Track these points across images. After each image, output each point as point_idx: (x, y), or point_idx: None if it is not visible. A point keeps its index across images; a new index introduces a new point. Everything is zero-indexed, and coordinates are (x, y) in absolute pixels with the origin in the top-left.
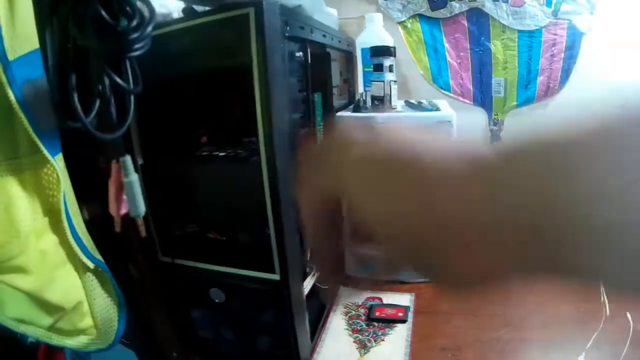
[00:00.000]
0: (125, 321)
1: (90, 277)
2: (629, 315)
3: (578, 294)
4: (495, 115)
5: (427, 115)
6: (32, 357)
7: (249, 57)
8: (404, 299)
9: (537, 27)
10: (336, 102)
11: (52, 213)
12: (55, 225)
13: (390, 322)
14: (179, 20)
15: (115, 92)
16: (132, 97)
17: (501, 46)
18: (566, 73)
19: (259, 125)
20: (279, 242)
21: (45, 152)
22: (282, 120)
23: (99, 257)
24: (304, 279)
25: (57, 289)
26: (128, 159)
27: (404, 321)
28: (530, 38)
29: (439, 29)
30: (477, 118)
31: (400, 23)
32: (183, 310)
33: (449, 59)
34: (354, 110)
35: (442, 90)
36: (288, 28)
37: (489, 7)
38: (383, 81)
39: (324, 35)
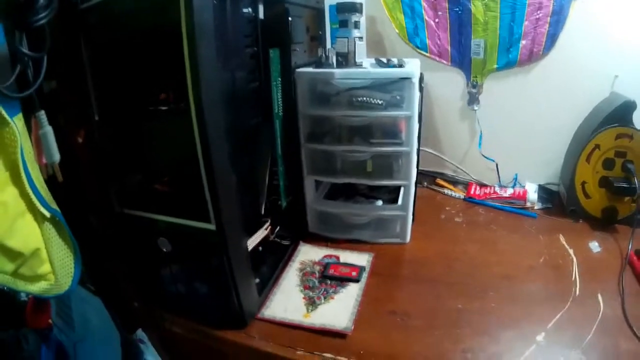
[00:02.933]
0: (80, 267)
1: (47, 225)
2: (599, 296)
3: (550, 270)
4: (474, 77)
5: (386, 72)
6: (21, 312)
7: (177, 14)
8: (362, 259)
9: None
10: (300, 59)
11: (12, 168)
12: (15, 179)
13: (343, 280)
14: None
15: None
16: (44, 62)
17: (482, 6)
18: (552, 38)
19: (188, 82)
20: (212, 193)
21: (4, 113)
22: (212, 74)
23: (55, 207)
24: (254, 231)
25: (18, 237)
26: (42, 113)
27: (357, 281)
28: (513, 0)
29: None
30: (454, 79)
31: None
32: (138, 261)
33: (426, 17)
34: (316, 67)
35: (419, 50)
36: None
37: None
38: (348, 38)
39: None
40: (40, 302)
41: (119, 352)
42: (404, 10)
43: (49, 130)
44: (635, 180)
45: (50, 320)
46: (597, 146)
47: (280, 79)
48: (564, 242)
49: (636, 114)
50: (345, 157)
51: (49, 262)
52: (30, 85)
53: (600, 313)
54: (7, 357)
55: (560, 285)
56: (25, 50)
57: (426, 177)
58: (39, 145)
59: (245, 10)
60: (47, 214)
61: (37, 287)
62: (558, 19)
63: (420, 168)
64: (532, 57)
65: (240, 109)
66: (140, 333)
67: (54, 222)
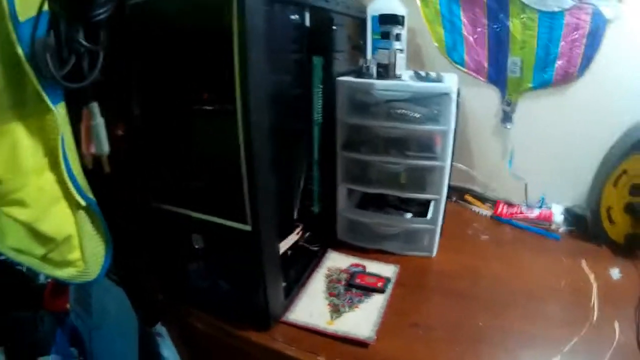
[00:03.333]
0: (111, 257)
1: (81, 214)
2: (616, 324)
3: (570, 293)
4: (509, 95)
5: (426, 86)
6: (40, 295)
7: (229, 17)
8: (388, 270)
9: (559, 9)
10: (341, 67)
11: (51, 154)
12: (54, 165)
13: (369, 290)
14: None
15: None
16: (100, 55)
17: (520, 25)
18: (587, 60)
19: (236, 84)
20: (251, 195)
21: (47, 101)
22: (260, 79)
23: (91, 196)
24: (286, 235)
25: (51, 222)
26: (94, 105)
27: (382, 291)
28: (551, 20)
29: (457, 2)
30: (489, 96)
31: None
32: (169, 255)
33: (465, 33)
34: (357, 77)
35: (456, 65)
36: None
37: None
38: (389, 49)
39: (327, 0)
40: (59, 286)
41: (135, 344)
42: (444, 24)
43: (100, 122)
44: None
45: (67, 305)
46: (625, 171)
47: (321, 86)
48: (585, 267)
49: None
50: (380, 167)
51: (79, 250)
52: (86, 76)
53: (615, 341)
54: (22, 336)
55: (579, 309)
56: (83, 41)
57: (456, 192)
58: (88, 135)
59: (292, 17)
60: (83, 203)
61: (64, 273)
62: (594, 40)
63: (450, 182)
64: (567, 78)
65: (283, 113)
66: (159, 327)
67: (88, 211)
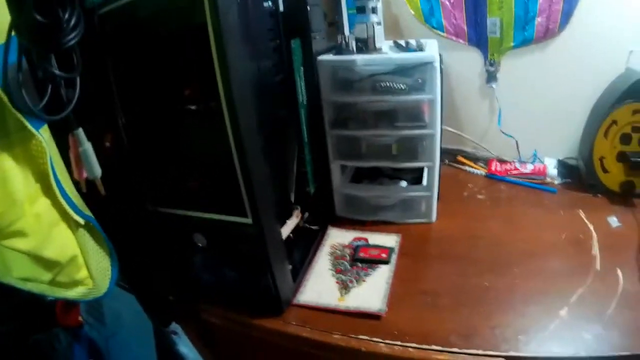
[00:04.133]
0: (118, 269)
1: (82, 232)
2: (619, 271)
3: (571, 245)
4: (491, 55)
5: (408, 57)
6: (52, 312)
7: (203, 17)
8: (390, 240)
9: None
10: (320, 46)
11: (42, 179)
12: (47, 189)
13: (374, 262)
14: None
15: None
16: (77, 81)
17: None
18: (567, 15)
19: (218, 81)
20: (247, 189)
21: (29, 127)
22: (241, 73)
23: (88, 213)
24: (285, 219)
25: (54, 246)
26: (80, 132)
27: (387, 262)
28: None
29: None
30: (472, 58)
31: None
32: (173, 256)
33: None
34: (336, 54)
35: (435, 30)
36: None
37: None
38: (366, 23)
39: None
40: (69, 301)
41: (152, 344)
42: None
43: (88, 146)
44: None
45: (80, 318)
46: (615, 122)
47: (302, 68)
48: (584, 217)
49: None
50: (371, 141)
51: (85, 268)
52: (65, 107)
53: (621, 287)
54: (41, 358)
55: (581, 260)
56: (57, 71)
57: (447, 155)
58: (78, 161)
59: (266, 4)
60: (82, 221)
61: (75, 293)
62: None
63: (442, 146)
64: (547, 34)
65: (268, 102)
66: (174, 325)
67: (88, 228)
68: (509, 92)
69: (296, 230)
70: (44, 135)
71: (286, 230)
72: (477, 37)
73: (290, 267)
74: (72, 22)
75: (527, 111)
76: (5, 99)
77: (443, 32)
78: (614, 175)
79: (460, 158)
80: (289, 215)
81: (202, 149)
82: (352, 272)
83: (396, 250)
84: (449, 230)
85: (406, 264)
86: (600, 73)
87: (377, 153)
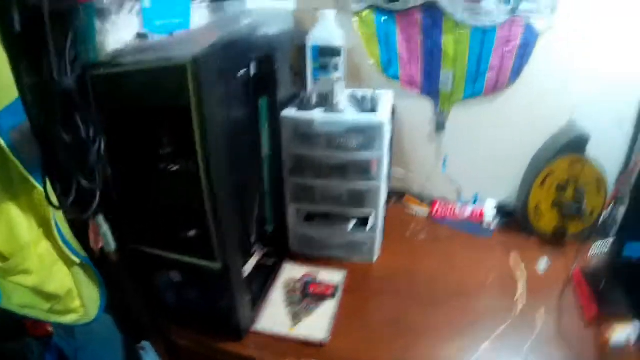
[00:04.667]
0: (106, 297)
1: (77, 269)
2: (542, 310)
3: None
4: (441, 105)
5: (360, 119)
6: (21, 322)
7: (188, 100)
8: (337, 276)
9: (492, 24)
10: (286, 95)
11: (44, 224)
12: (48, 234)
13: (321, 297)
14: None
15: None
16: (97, 193)
17: (453, 41)
18: (517, 71)
19: (197, 147)
20: (219, 240)
21: (33, 181)
22: (217, 140)
23: (83, 254)
24: (247, 258)
25: (54, 282)
26: (100, 217)
27: (333, 296)
28: (483, 34)
29: (393, 22)
30: (424, 107)
31: (356, 13)
32: (151, 288)
33: (399, 51)
34: (299, 107)
35: (392, 80)
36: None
37: (444, 2)
38: (328, 79)
39: (271, 45)
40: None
41: (120, 358)
42: (380, 44)
43: (107, 228)
44: (584, 204)
45: (50, 329)
46: (551, 172)
47: (267, 123)
48: (515, 259)
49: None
50: (324, 189)
51: (79, 298)
52: (87, 209)
53: (539, 325)
54: None
55: (507, 299)
56: (84, 183)
57: (396, 194)
58: (97, 237)
59: (240, 73)
60: (78, 260)
61: (68, 319)
62: (524, 53)
63: (390, 185)
64: (496, 88)
65: (237, 157)
66: (143, 343)
67: (83, 266)
68: (456, 140)
69: (256, 264)
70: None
71: (248, 268)
72: (430, 88)
73: (249, 297)
74: (97, 144)
75: (472, 157)
76: (11, 155)
77: (399, 81)
78: (548, 221)
79: (407, 198)
80: (250, 254)
81: (180, 202)
82: (302, 305)
83: (341, 286)
84: (390, 268)
85: (350, 299)
86: (544, 125)
87: (329, 200)
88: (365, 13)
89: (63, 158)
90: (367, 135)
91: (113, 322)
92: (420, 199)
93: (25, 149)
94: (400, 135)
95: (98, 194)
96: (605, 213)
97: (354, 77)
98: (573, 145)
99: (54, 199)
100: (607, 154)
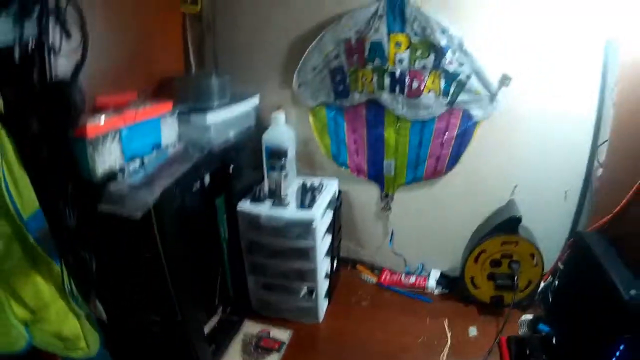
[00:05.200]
0: (103, 340)
1: (83, 320)
2: None
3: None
4: (386, 189)
5: (295, 217)
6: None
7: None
8: (285, 334)
9: (431, 117)
10: (244, 185)
11: (59, 289)
12: (63, 296)
13: (270, 351)
14: None
15: None
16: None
17: (394, 133)
18: (455, 158)
19: (159, 245)
20: (179, 301)
21: (50, 259)
22: (175, 238)
23: (86, 309)
24: (211, 316)
25: (67, 329)
26: (98, 304)
27: (278, 351)
28: (422, 126)
29: (341, 116)
30: (371, 190)
31: (310, 109)
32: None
33: (347, 142)
34: (252, 200)
35: (341, 167)
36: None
37: (385, 99)
38: (276, 177)
39: (227, 152)
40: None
41: None
42: (330, 135)
43: (101, 308)
44: (517, 277)
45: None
46: (484, 250)
47: (225, 215)
48: (446, 325)
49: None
50: (275, 266)
51: (84, 340)
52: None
53: None
54: None
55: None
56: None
57: (350, 262)
58: (95, 310)
59: (195, 187)
60: (82, 313)
61: (75, 354)
62: (462, 141)
63: (344, 255)
64: (436, 173)
65: (196, 244)
66: None
67: (87, 317)
68: (401, 217)
69: (220, 320)
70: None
71: (210, 325)
72: (375, 174)
73: (212, 348)
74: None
75: (417, 233)
76: (38, 248)
77: (347, 168)
78: (484, 291)
79: (359, 266)
80: (213, 313)
81: (151, 278)
82: (254, 355)
83: (287, 343)
84: (332, 329)
85: (292, 353)
86: (485, 203)
87: (280, 274)
88: (317, 109)
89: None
90: (303, 228)
91: (109, 355)
92: (371, 267)
93: (46, 243)
94: (350, 213)
95: (94, 289)
96: (542, 284)
97: (309, 164)
98: (505, 226)
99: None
100: (551, 226)
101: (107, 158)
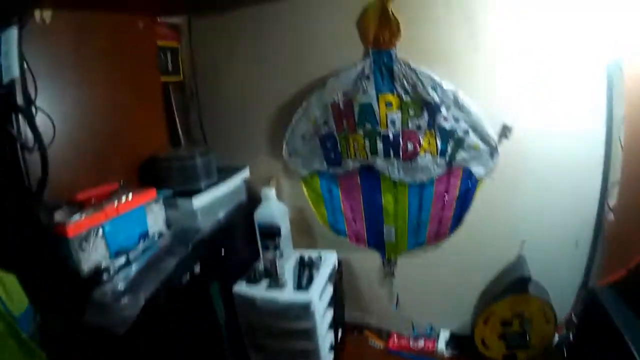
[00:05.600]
0: None
1: None
2: None
3: None
4: (388, 256)
5: (290, 300)
6: None
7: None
8: None
9: (429, 179)
10: (238, 264)
11: None
12: None
13: None
14: None
15: None
16: None
17: (392, 199)
18: (458, 219)
19: None
20: None
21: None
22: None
23: None
24: None
25: None
26: None
27: None
28: (421, 189)
29: (336, 185)
30: (372, 256)
31: (303, 178)
32: None
33: (344, 210)
34: (248, 281)
35: (340, 236)
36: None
37: (380, 164)
38: (270, 256)
39: (216, 236)
40: None
41: None
42: (326, 205)
43: None
44: (529, 335)
45: None
46: (493, 313)
47: (221, 299)
48: None
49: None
50: (276, 346)
51: None
52: None
53: None
54: None
55: None
56: None
57: (357, 328)
58: None
59: (185, 279)
60: None
61: None
62: (464, 201)
63: (349, 320)
64: (439, 237)
65: (194, 339)
66: None
67: None
68: (406, 281)
69: None
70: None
71: None
72: (375, 242)
73: None
74: None
75: (424, 294)
76: (33, 345)
77: (346, 237)
78: (496, 350)
79: (366, 332)
80: None
81: None
82: None
83: None
84: None
85: None
86: (493, 262)
87: (283, 353)
88: (310, 178)
89: None
90: (301, 310)
91: None
92: (379, 332)
93: (36, 338)
94: (353, 281)
95: None
96: (556, 338)
97: (306, 233)
98: (514, 287)
99: None
100: (563, 275)
101: (93, 254)
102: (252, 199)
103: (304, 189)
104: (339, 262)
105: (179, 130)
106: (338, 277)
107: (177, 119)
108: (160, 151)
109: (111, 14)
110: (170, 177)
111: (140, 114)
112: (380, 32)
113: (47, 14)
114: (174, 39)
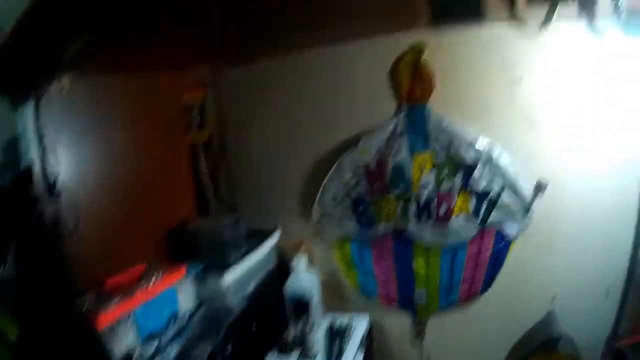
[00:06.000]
0: None
1: None
2: None
3: None
4: (419, 317)
5: None
6: None
7: None
8: None
9: (462, 241)
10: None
11: None
12: None
13: None
14: None
15: None
16: None
17: (424, 263)
18: (489, 280)
19: None
20: None
21: None
22: None
23: None
24: None
25: None
26: None
27: None
28: (454, 252)
29: (368, 249)
30: (402, 318)
31: (334, 242)
32: None
33: (375, 274)
34: (279, 352)
35: (370, 299)
36: None
37: (411, 229)
38: (301, 328)
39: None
40: None
41: None
42: (357, 270)
43: None
44: None
45: None
46: None
47: None
48: None
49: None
50: None
51: None
52: None
53: None
54: None
55: None
56: None
57: None
58: None
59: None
60: None
61: None
62: (496, 261)
63: None
64: (470, 297)
65: None
66: None
67: None
68: (437, 341)
69: None
70: None
71: None
72: (407, 304)
73: None
74: None
75: (454, 354)
76: None
77: (377, 300)
78: None
79: None
80: None
81: None
82: None
83: None
84: None
85: None
86: (523, 317)
87: None
88: (342, 242)
89: None
90: None
91: None
92: None
93: None
94: (385, 343)
95: None
96: None
97: (337, 297)
98: (544, 347)
99: None
100: (593, 325)
101: (123, 341)
102: (282, 263)
103: (336, 254)
104: (370, 327)
105: (206, 192)
106: (369, 343)
107: (203, 181)
108: (188, 218)
109: (134, 74)
110: (199, 251)
111: (166, 180)
112: (413, 84)
113: (66, 82)
114: (201, 93)
